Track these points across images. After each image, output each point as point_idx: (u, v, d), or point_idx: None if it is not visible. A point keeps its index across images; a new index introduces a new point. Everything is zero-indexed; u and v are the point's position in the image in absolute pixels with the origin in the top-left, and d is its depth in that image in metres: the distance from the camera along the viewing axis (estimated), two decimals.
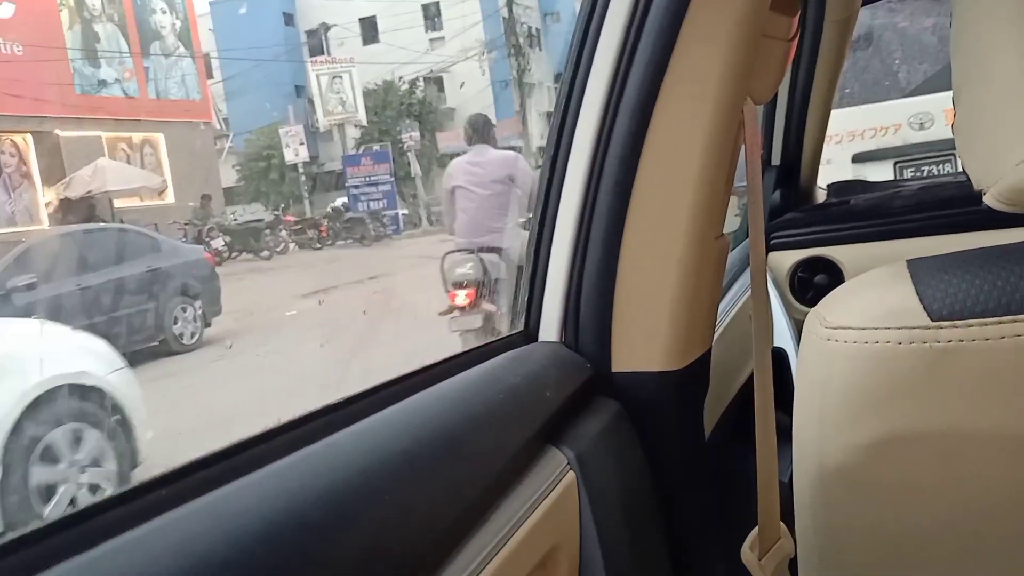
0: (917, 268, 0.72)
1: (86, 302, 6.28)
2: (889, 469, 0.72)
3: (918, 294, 0.69)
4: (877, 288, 0.74)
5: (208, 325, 7.59)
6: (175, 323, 7.19)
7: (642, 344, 1.00)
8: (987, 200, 0.69)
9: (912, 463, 0.71)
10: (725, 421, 1.41)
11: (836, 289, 0.79)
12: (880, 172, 4.89)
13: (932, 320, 0.67)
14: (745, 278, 1.87)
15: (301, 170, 21.96)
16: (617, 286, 1.00)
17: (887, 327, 0.69)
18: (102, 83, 16.53)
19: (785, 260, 2.17)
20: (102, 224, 11.42)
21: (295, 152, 20.76)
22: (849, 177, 3.69)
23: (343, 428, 0.66)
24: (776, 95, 2.32)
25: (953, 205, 1.89)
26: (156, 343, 6.98)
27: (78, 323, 6.09)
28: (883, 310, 0.70)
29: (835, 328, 0.72)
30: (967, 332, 0.66)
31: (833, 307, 0.75)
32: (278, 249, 15.13)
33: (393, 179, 20.03)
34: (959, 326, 0.66)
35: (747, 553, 1.05)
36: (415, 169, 22.09)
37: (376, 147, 21.94)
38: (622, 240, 0.98)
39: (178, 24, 18.47)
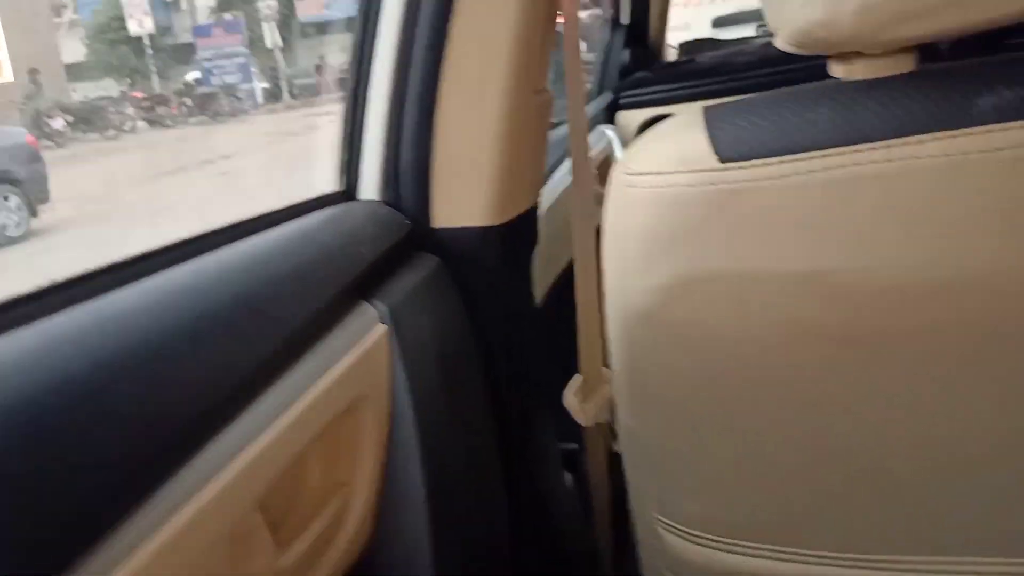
0: (712, 114, 0.75)
1: None
2: (684, 309, 0.74)
3: (710, 138, 0.71)
4: (674, 134, 0.76)
5: (35, 215, 7.31)
6: None
7: (463, 199, 1.01)
8: (777, 43, 0.72)
9: (704, 303, 0.73)
10: (557, 287, 1.42)
11: (639, 137, 0.80)
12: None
13: (721, 162, 0.69)
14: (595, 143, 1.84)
15: (148, 43, 20.72)
16: (436, 142, 0.99)
17: (680, 171, 0.70)
18: None
19: (634, 119, 2.20)
20: None
21: (139, 23, 19.47)
22: None
23: (131, 283, 0.66)
24: None
25: (794, 60, 1.86)
26: None
27: None
28: (677, 155, 0.72)
29: (635, 175, 0.74)
30: (753, 172, 0.68)
31: (635, 155, 0.76)
32: (125, 128, 14.44)
33: (247, 51, 19.17)
34: (745, 167, 0.68)
35: (569, 398, 1.10)
36: (274, 40, 21.15)
37: (228, 16, 20.77)
38: (438, 96, 0.98)
39: None
